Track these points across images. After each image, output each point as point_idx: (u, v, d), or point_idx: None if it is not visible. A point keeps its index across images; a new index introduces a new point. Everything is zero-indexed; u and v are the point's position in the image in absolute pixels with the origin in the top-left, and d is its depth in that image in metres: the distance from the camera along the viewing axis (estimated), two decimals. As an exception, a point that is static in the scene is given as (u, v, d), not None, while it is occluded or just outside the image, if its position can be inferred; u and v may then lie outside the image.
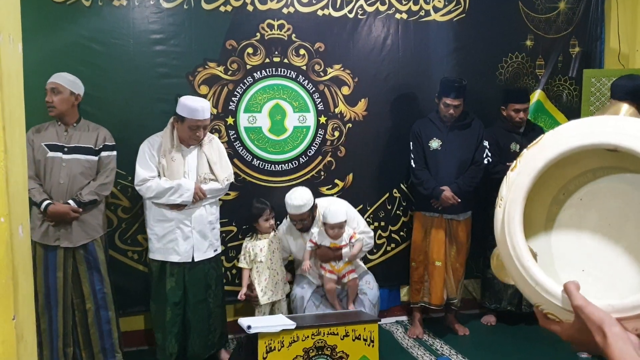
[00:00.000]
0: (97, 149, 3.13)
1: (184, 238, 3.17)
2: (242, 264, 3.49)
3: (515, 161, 0.92)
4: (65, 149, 3.05)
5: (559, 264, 0.91)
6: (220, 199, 3.43)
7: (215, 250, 3.32)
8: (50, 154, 3.01)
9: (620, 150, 0.81)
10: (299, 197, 3.36)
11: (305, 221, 3.44)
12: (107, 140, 3.17)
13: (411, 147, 3.76)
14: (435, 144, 3.73)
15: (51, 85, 3.05)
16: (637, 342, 0.75)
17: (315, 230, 3.44)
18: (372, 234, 3.64)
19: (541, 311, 0.87)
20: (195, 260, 3.19)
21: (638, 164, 0.81)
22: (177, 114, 3.14)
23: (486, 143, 3.84)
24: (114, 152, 3.19)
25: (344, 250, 3.39)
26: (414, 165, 3.74)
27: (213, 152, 3.26)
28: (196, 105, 3.10)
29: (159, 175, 3.15)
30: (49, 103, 3.04)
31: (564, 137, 0.87)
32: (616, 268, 0.86)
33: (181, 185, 3.10)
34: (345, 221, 3.38)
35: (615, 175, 0.89)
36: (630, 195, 0.86)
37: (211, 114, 3.59)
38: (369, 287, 3.54)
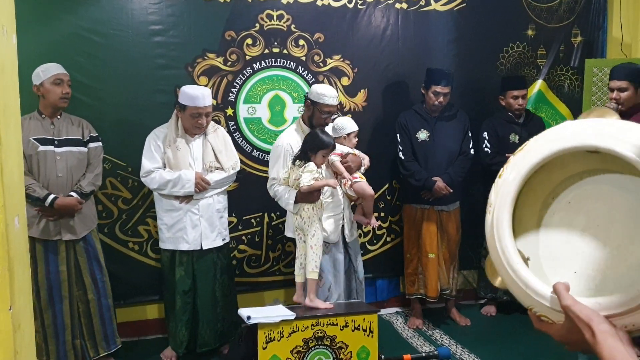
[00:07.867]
0: (85, 140, 3.15)
1: (192, 226, 3.19)
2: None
3: (502, 168, 0.95)
4: (56, 142, 3.05)
5: (550, 266, 0.93)
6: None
7: (224, 240, 3.34)
8: (42, 147, 3.00)
9: (600, 151, 0.83)
10: (331, 88, 3.25)
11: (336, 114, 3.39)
12: (92, 131, 3.20)
13: (398, 139, 3.74)
14: (423, 135, 3.72)
15: (68, 77, 3.09)
16: (626, 339, 0.76)
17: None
18: None
19: (534, 314, 0.88)
20: (204, 248, 3.22)
21: (620, 165, 0.83)
22: (179, 103, 3.16)
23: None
24: (100, 143, 3.22)
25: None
26: (402, 157, 3.73)
27: (218, 141, 3.28)
28: (196, 93, 3.12)
29: (164, 167, 3.17)
30: (68, 95, 3.07)
31: (547, 141, 0.90)
32: (606, 268, 0.87)
33: (181, 177, 3.12)
34: None
35: (600, 177, 0.91)
36: (615, 196, 0.88)
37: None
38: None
